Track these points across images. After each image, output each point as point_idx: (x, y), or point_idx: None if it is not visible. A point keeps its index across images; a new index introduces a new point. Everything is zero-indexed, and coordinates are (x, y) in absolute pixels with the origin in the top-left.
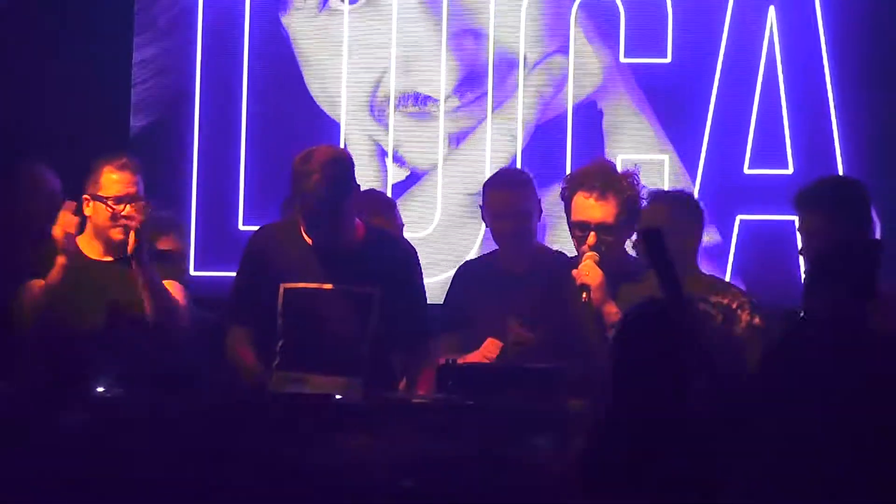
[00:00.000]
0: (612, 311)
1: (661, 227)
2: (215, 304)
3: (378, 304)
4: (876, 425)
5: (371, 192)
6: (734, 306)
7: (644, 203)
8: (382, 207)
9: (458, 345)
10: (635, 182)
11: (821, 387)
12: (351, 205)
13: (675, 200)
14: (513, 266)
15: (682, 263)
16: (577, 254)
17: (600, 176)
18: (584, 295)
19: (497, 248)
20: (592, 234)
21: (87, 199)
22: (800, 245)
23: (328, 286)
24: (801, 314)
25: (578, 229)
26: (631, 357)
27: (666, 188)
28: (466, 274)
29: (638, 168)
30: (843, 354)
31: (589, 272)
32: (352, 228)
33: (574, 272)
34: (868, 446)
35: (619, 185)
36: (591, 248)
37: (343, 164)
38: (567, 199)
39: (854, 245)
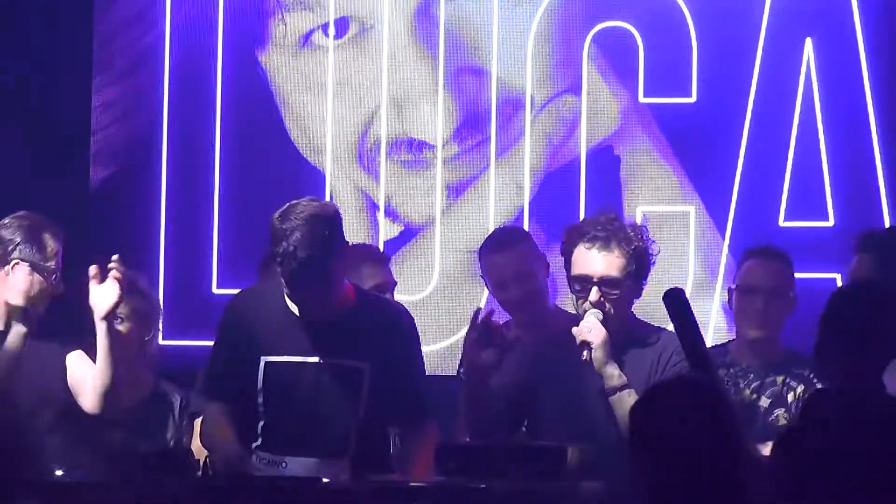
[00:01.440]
0: (615, 374)
1: (780, 287)
2: (187, 378)
3: (369, 379)
4: None
5: (360, 246)
6: (812, 376)
7: (653, 258)
8: (373, 263)
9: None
10: (643, 235)
11: (836, 474)
12: (339, 267)
13: (786, 258)
14: (528, 335)
15: (775, 331)
16: (577, 312)
17: (603, 225)
18: (584, 354)
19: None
20: (595, 289)
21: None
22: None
23: (314, 359)
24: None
25: (579, 284)
26: (660, 445)
27: (693, 242)
28: None
29: (647, 220)
30: (858, 436)
31: (591, 328)
32: (340, 293)
33: (575, 329)
34: None
35: (624, 234)
36: (594, 306)
37: (328, 220)
38: (567, 252)
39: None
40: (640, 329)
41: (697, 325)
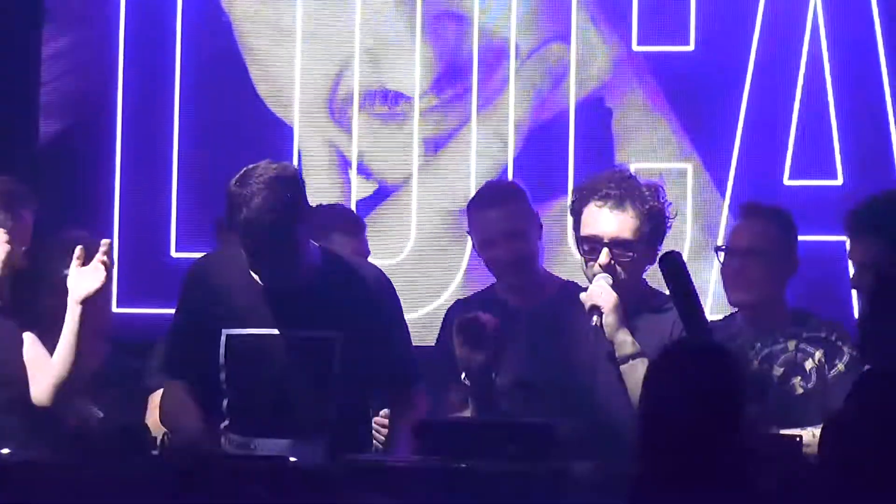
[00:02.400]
0: (628, 341)
1: (759, 247)
2: (143, 349)
3: (342, 351)
4: None
5: (332, 209)
6: (834, 338)
7: (669, 221)
8: (345, 231)
9: (464, 403)
10: (660, 195)
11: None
12: (303, 231)
13: (775, 216)
14: (515, 299)
15: (772, 293)
16: (586, 277)
17: (618, 183)
18: (594, 319)
19: (494, 280)
20: (605, 251)
21: None
22: (852, 276)
23: (280, 332)
24: (866, 366)
25: (588, 245)
26: (664, 410)
27: (690, 203)
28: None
29: (663, 180)
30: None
31: (602, 292)
32: (306, 259)
33: (583, 294)
34: None
35: (639, 193)
36: (605, 269)
37: (289, 182)
38: (576, 211)
39: None
40: (654, 297)
41: (695, 291)
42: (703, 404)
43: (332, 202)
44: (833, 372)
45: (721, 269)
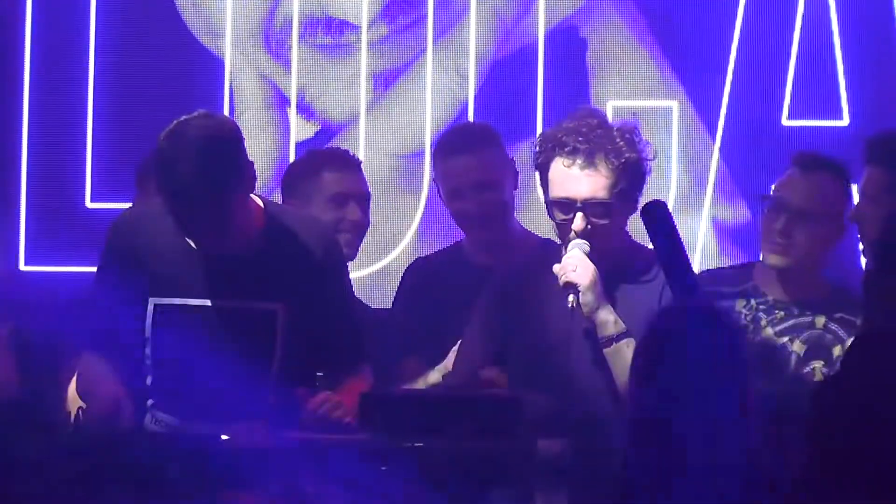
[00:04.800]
0: (610, 320)
1: (814, 210)
2: (53, 312)
3: (284, 323)
4: None
5: (327, 150)
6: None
7: (648, 164)
8: (341, 165)
9: (422, 371)
10: (636, 139)
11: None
12: (241, 192)
13: (838, 174)
14: (486, 258)
15: (814, 259)
16: (560, 242)
17: (585, 133)
18: (570, 299)
19: (463, 236)
20: (580, 215)
21: None
22: (853, 209)
23: (215, 303)
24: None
25: (559, 209)
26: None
27: (675, 147)
28: (422, 275)
29: (637, 120)
30: None
31: (577, 267)
32: (244, 221)
33: (556, 267)
34: None
35: (612, 144)
36: (579, 235)
37: (226, 144)
38: (542, 166)
39: None
40: (639, 256)
41: (682, 245)
42: (705, 383)
43: (267, 146)
44: None
45: (762, 221)
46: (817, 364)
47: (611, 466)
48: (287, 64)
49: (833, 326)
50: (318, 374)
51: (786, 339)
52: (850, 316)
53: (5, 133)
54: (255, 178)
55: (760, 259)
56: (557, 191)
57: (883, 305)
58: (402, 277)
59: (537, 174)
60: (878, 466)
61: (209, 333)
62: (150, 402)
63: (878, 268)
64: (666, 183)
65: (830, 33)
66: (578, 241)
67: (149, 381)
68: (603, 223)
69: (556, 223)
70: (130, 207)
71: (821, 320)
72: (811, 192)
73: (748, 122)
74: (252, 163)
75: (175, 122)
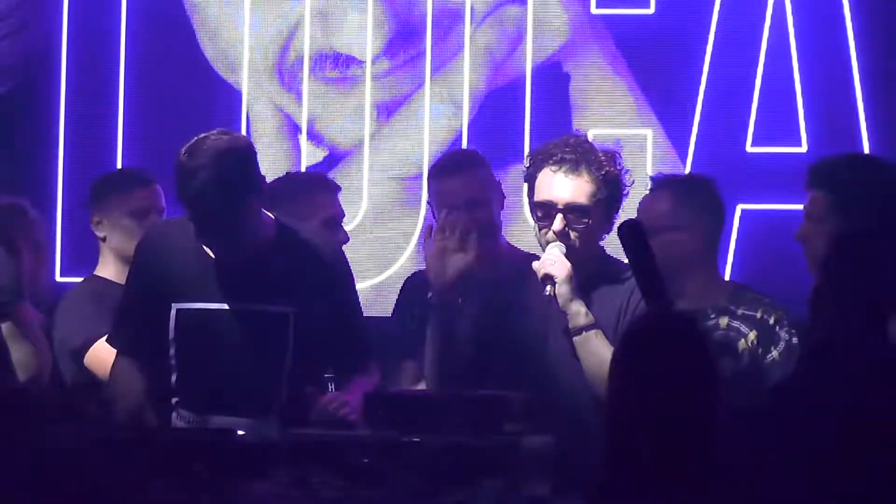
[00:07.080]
0: (581, 311)
1: (671, 219)
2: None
3: (296, 326)
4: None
5: (308, 174)
6: (771, 322)
7: (626, 188)
8: (321, 190)
9: (419, 373)
10: (616, 161)
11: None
12: (255, 203)
13: (686, 186)
14: (477, 272)
15: (698, 267)
16: (539, 244)
17: (573, 148)
18: (547, 289)
19: None
20: (559, 217)
21: None
22: (798, 229)
23: (232, 306)
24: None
25: (542, 211)
26: (637, 384)
27: (650, 170)
28: (418, 288)
29: (619, 146)
30: (855, 396)
31: (555, 261)
32: (258, 231)
33: (535, 263)
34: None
35: (595, 158)
36: (558, 237)
37: (239, 155)
38: (530, 177)
39: (873, 241)
40: (611, 266)
41: (655, 261)
42: (684, 386)
43: (281, 169)
44: (768, 358)
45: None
46: (724, 361)
47: (588, 453)
48: (299, 95)
49: (735, 324)
50: (326, 375)
51: None
52: (750, 310)
53: (45, 156)
54: (266, 191)
55: None
56: (542, 194)
57: (829, 320)
58: (402, 288)
59: (525, 186)
60: (821, 473)
61: (226, 335)
62: (174, 399)
63: (825, 284)
64: None
65: (791, 68)
66: (556, 242)
67: (173, 379)
68: (580, 227)
69: (538, 224)
70: (155, 224)
71: (724, 320)
72: (661, 211)
73: (715, 148)
74: (264, 177)
75: (194, 138)
